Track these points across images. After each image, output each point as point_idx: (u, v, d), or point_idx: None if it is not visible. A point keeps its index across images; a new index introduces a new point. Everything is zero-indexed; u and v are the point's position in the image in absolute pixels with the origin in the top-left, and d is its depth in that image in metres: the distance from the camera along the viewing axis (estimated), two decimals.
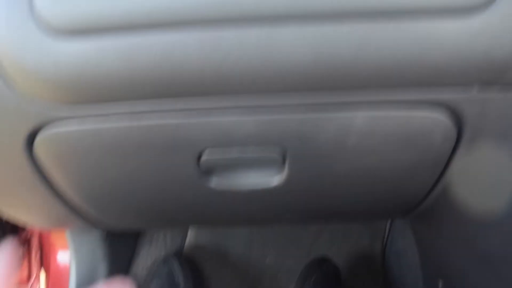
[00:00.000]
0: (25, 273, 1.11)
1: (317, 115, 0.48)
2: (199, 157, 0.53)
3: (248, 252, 1.27)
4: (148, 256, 1.27)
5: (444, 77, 0.44)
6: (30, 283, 1.11)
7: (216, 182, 0.58)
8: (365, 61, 0.42)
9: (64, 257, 1.08)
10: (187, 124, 0.49)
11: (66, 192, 0.60)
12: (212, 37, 0.41)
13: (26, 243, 1.13)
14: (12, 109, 0.47)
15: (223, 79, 0.43)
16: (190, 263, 1.23)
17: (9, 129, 0.50)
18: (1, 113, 0.48)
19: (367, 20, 0.40)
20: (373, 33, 0.41)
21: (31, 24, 0.41)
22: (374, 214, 0.79)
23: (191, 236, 1.28)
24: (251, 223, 1.04)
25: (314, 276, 1.12)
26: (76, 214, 0.67)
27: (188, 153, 0.52)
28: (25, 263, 1.11)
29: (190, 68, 0.42)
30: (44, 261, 1.14)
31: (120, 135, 0.50)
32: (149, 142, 0.51)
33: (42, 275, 1.13)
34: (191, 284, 1.15)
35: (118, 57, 0.42)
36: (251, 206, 0.65)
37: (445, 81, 0.44)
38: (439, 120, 0.48)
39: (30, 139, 0.51)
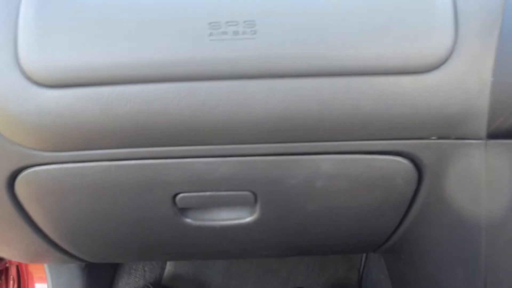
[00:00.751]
0: None
1: (286, 159, 0.51)
2: (175, 196, 0.56)
3: (227, 282, 1.28)
4: (127, 286, 1.27)
5: (404, 130, 0.48)
6: None
7: (191, 218, 0.61)
8: (330, 114, 0.45)
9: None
10: (163, 167, 0.51)
11: (46, 228, 0.62)
12: (188, 90, 0.44)
13: (3, 273, 1.12)
14: None
15: (197, 131, 0.46)
16: None
17: None
18: None
19: (332, 77, 0.44)
20: (338, 89, 0.44)
21: (16, 74, 0.44)
22: (345, 249, 0.82)
23: (170, 266, 1.29)
24: (228, 256, 1.06)
25: None
26: (55, 249, 0.68)
27: (164, 193, 0.55)
28: None
29: (167, 120, 0.45)
30: None
31: (98, 175, 0.52)
32: (126, 182, 0.53)
33: None
34: None
35: (98, 108, 0.45)
36: (227, 241, 0.68)
37: (405, 134, 0.48)
38: (400, 165, 0.52)
39: (12, 179, 0.53)
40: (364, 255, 1.24)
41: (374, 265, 1.16)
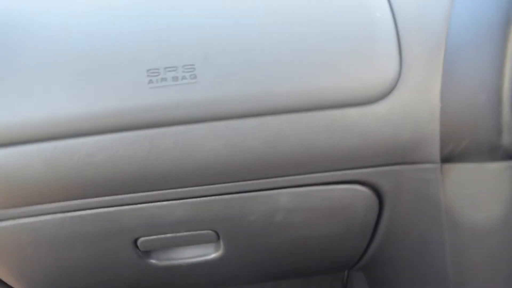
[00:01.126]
0: None
1: (241, 196, 0.50)
2: (136, 239, 0.54)
3: None
4: None
5: (357, 160, 0.47)
6: None
7: (156, 259, 0.59)
8: (276, 152, 0.45)
9: None
10: (118, 214, 0.50)
11: (7, 280, 0.60)
12: (132, 139, 0.43)
13: None
14: None
15: (146, 178, 0.45)
16: None
17: None
18: None
19: (276, 115, 0.44)
20: (283, 126, 0.44)
21: None
22: (318, 271, 0.81)
23: None
24: None
25: None
26: None
27: (124, 238, 0.53)
28: None
29: (114, 171, 0.44)
30: None
31: (54, 228, 0.51)
32: (83, 232, 0.51)
33: None
34: None
35: (43, 164, 0.43)
36: (195, 277, 0.66)
37: (359, 163, 0.48)
38: (359, 193, 0.51)
39: None
40: (347, 272, 1.23)
41: (356, 282, 1.15)
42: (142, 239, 0.54)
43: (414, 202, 0.52)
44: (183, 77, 0.43)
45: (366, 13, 0.45)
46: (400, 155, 0.47)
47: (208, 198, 0.49)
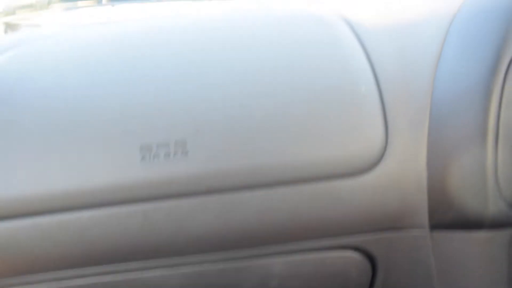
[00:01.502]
0: None
1: (237, 265, 0.50)
2: None
3: None
4: None
5: (347, 228, 0.48)
6: None
7: None
8: (268, 223, 0.46)
9: None
10: (113, 282, 0.51)
11: None
12: (125, 214, 0.44)
13: None
14: None
15: (139, 249, 0.46)
16: None
17: None
18: None
19: (266, 188, 0.45)
20: (273, 198, 0.45)
21: None
22: None
23: None
24: None
25: None
26: None
27: None
28: None
29: (107, 243, 0.45)
30: None
31: None
32: None
33: None
34: None
35: (39, 236, 0.44)
36: None
37: (349, 230, 0.49)
38: (351, 258, 0.52)
39: None
40: None
41: None
42: None
43: (406, 266, 0.53)
44: (175, 153, 0.44)
45: (353, 88, 0.47)
46: (389, 223, 0.48)
47: (202, 265, 0.50)
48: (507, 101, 0.44)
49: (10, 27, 0.82)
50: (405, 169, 0.46)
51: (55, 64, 0.50)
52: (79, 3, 0.84)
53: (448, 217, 0.47)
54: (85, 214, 0.44)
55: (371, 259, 0.53)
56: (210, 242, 0.46)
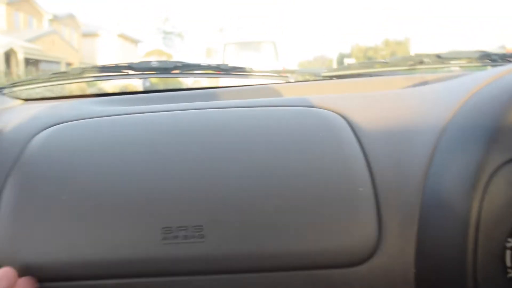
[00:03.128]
0: None
1: None
2: None
3: None
4: None
5: None
6: None
7: None
8: None
9: None
10: None
11: None
12: (145, 285, 0.51)
13: None
14: None
15: None
16: None
17: None
18: None
19: (271, 273, 0.51)
20: (276, 282, 0.51)
21: None
22: None
23: None
24: None
25: None
26: None
27: None
28: None
29: None
30: None
31: None
32: None
33: None
34: None
35: None
36: None
37: None
38: None
39: None
40: None
41: None
42: None
43: None
44: (193, 236, 0.51)
45: (351, 187, 0.54)
46: None
47: None
48: (488, 203, 0.50)
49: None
50: (395, 264, 0.52)
51: (97, 147, 0.58)
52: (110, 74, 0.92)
53: None
54: (110, 283, 0.51)
55: None
56: None
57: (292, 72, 1.08)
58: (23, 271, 0.51)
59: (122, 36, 25.30)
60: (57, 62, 17.92)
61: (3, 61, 14.06)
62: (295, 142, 0.58)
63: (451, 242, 0.50)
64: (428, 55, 1.03)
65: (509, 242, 0.48)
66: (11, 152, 0.59)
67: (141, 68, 0.93)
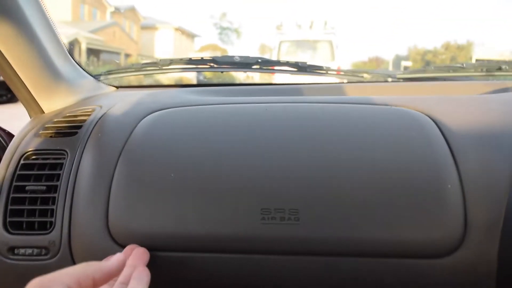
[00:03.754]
0: None
1: None
2: None
3: None
4: None
5: None
6: None
7: None
8: None
9: None
10: None
11: None
12: (242, 260, 0.57)
13: None
14: None
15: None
16: None
17: None
18: None
19: (362, 258, 0.55)
20: (365, 267, 0.56)
21: (106, 239, 0.57)
22: None
23: None
24: None
25: None
26: None
27: None
28: None
29: (227, 279, 0.58)
30: None
31: None
32: None
33: None
34: None
35: (171, 272, 0.56)
36: None
37: None
38: None
39: None
40: None
41: None
42: None
43: None
44: (289, 218, 0.56)
45: (440, 184, 0.56)
46: None
47: None
48: None
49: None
50: (478, 259, 0.55)
51: (200, 132, 0.63)
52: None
53: None
54: (212, 256, 0.56)
55: None
56: None
57: (366, 72, 1.10)
58: (135, 240, 0.57)
59: (179, 30, 25.88)
60: (117, 53, 18.64)
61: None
62: (387, 138, 0.61)
63: None
64: (506, 62, 1.02)
65: None
66: (121, 134, 0.65)
67: (224, 62, 0.98)
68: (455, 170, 0.58)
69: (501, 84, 0.92)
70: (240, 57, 1.01)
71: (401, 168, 0.58)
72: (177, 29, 25.54)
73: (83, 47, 15.86)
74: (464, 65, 1.05)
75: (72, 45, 15.37)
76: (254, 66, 0.99)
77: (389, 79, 1.03)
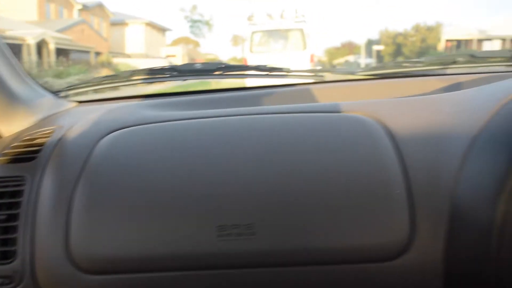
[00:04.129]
0: None
1: None
2: None
3: None
4: None
5: None
6: None
7: None
8: None
9: None
10: None
11: None
12: (197, 276, 0.59)
13: None
14: None
15: None
16: None
17: None
18: None
19: (313, 266, 0.57)
20: (317, 275, 0.58)
21: (66, 264, 0.57)
22: None
23: None
24: None
25: None
26: None
27: None
28: None
29: None
30: None
31: None
32: None
33: None
34: None
35: None
36: None
37: None
38: None
39: None
40: None
41: None
42: None
43: None
44: (245, 233, 0.57)
45: (386, 190, 0.59)
46: None
47: None
48: None
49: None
50: (426, 260, 0.57)
51: (156, 151, 0.64)
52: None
53: None
54: (169, 275, 0.58)
55: None
56: None
57: (327, 71, 1.12)
58: (96, 265, 0.58)
59: (150, 25, 25.57)
60: (87, 52, 18.33)
61: (35, 51, 14.44)
62: (335, 146, 0.63)
63: (478, 241, 0.55)
64: (461, 55, 1.05)
65: None
66: (80, 157, 0.65)
67: (185, 70, 0.99)
68: (403, 175, 0.60)
69: (456, 79, 0.95)
70: (202, 64, 1.01)
71: (349, 176, 0.60)
72: (147, 24, 25.24)
73: (51, 47, 15.54)
74: (422, 59, 1.08)
75: (40, 46, 15.05)
76: (216, 73, 0.99)
77: (349, 78, 1.05)
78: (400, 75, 1.04)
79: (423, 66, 1.07)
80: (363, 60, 26.24)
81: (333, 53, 39.66)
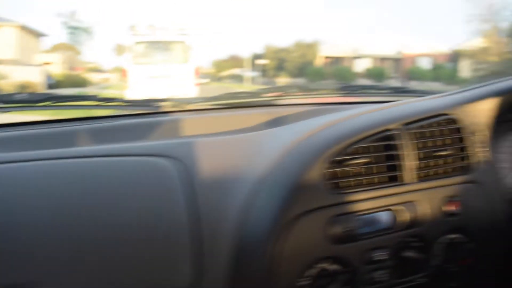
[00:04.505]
0: None
1: None
2: None
3: None
4: None
5: None
6: None
7: None
8: None
9: None
10: None
11: None
12: None
13: None
14: None
15: None
16: None
17: None
18: None
19: None
20: None
21: None
22: None
23: None
24: None
25: None
26: None
27: None
28: None
29: None
30: None
31: None
32: None
33: None
34: None
35: None
36: None
37: None
38: None
39: None
40: None
41: None
42: None
43: None
44: None
45: (172, 234, 0.62)
46: None
47: None
48: (286, 246, 0.62)
49: None
50: None
51: None
52: None
53: None
54: None
55: None
56: None
57: (167, 101, 1.12)
58: None
59: (24, 29, 23.65)
60: None
61: None
62: (129, 192, 0.65)
63: (258, 278, 0.60)
64: (291, 87, 1.14)
65: (298, 281, 0.59)
66: None
67: (8, 101, 0.93)
68: (194, 218, 0.63)
69: (279, 113, 1.02)
70: (29, 94, 0.96)
71: (141, 223, 0.62)
72: (21, 28, 23.29)
73: None
74: (256, 91, 1.16)
75: None
76: (44, 103, 0.94)
77: (183, 109, 1.06)
78: (235, 105, 1.10)
79: (257, 97, 1.14)
80: (249, 73, 26.96)
81: (220, 65, 40.12)
